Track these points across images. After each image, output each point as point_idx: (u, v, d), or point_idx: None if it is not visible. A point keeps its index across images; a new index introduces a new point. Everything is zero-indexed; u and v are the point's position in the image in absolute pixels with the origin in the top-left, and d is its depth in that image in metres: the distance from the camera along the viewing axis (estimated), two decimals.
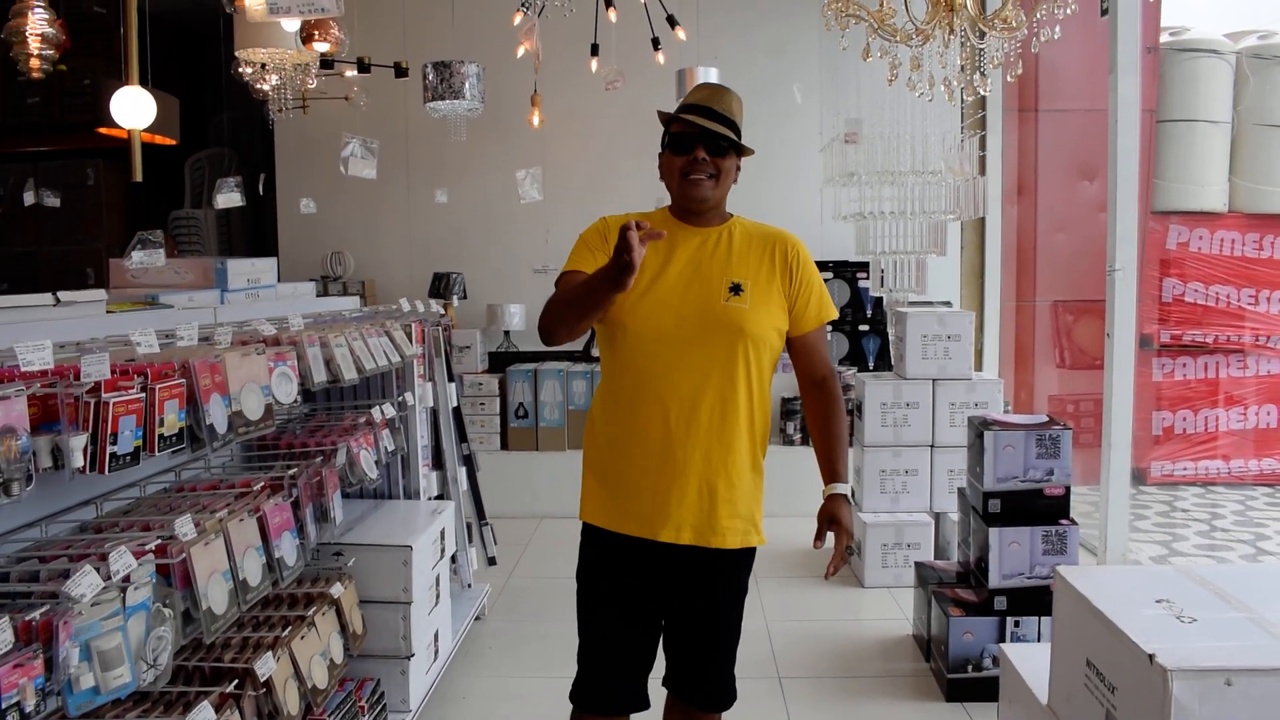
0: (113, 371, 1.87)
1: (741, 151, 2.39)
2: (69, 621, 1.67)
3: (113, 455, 1.82)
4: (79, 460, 1.73)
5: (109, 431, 1.80)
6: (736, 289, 2.29)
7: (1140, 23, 4.79)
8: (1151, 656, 1.89)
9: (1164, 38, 6.87)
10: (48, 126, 7.44)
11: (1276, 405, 7.07)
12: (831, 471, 2.43)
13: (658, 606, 2.38)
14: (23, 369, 1.66)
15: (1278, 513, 6.48)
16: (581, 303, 2.14)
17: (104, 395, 1.79)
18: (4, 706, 1.52)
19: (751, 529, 2.36)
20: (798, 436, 6.49)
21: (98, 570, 1.74)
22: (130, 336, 1.96)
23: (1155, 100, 6.82)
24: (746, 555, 2.40)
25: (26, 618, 1.61)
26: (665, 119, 2.42)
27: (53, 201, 6.14)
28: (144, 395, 1.91)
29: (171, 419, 2.00)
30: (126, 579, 1.86)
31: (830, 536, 2.39)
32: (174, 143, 6.09)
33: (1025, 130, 7.12)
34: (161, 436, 1.97)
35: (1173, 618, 2.12)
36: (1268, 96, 6.94)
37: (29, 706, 1.57)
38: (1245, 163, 7.00)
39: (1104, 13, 4.84)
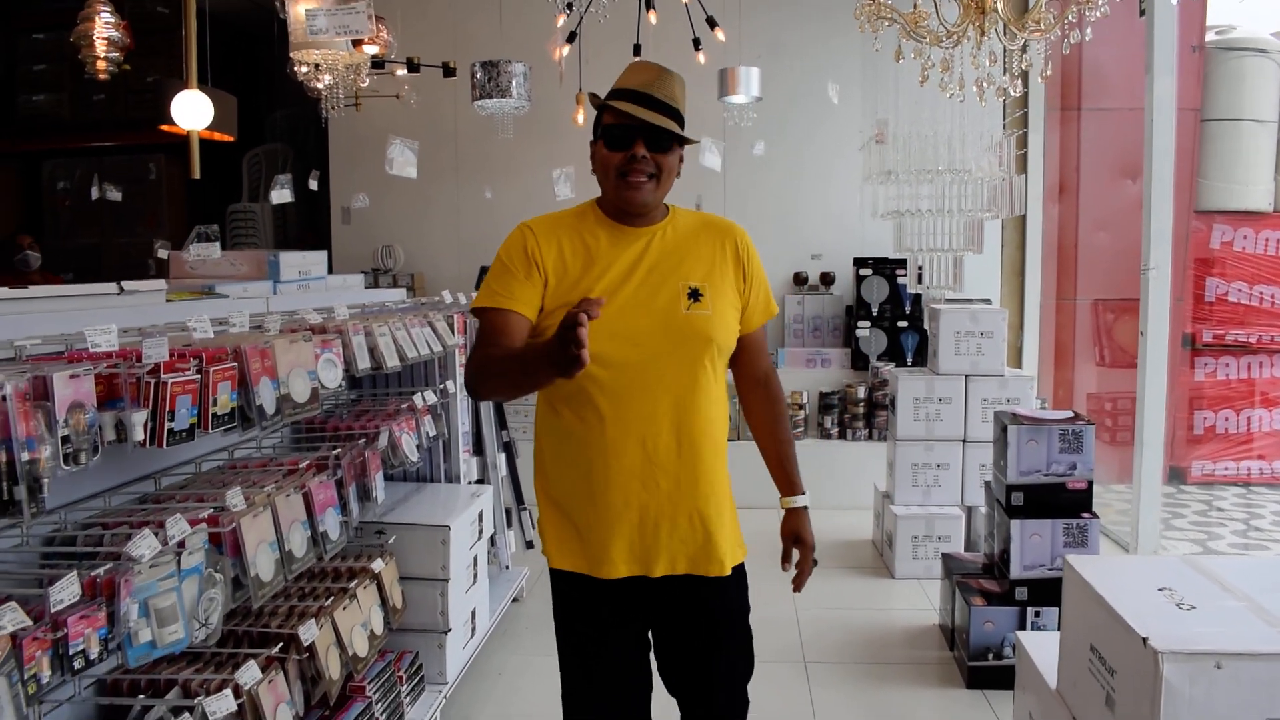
0: (171, 355, 2.04)
1: (684, 143, 2.10)
2: (129, 580, 1.84)
3: (170, 431, 1.99)
4: (140, 434, 1.90)
5: (167, 409, 1.96)
6: (696, 294, 2.06)
7: (1177, 23, 4.82)
8: (1145, 640, 1.97)
9: (1209, 36, 6.85)
10: (112, 123, 7.72)
11: None
12: (789, 482, 2.29)
13: (650, 650, 2.22)
14: (90, 350, 1.84)
15: None
16: (517, 382, 1.88)
17: (163, 376, 1.96)
18: (71, 653, 1.69)
19: (738, 545, 2.20)
20: (834, 430, 6.58)
21: (156, 535, 1.91)
22: (187, 323, 2.14)
23: (1200, 99, 6.81)
24: (739, 573, 2.22)
25: (92, 574, 1.78)
26: (598, 104, 2.11)
27: (115, 195, 6.41)
28: (199, 377, 2.07)
29: (224, 399, 2.16)
30: (181, 544, 2.02)
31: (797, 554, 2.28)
32: (232, 139, 6.32)
33: (1068, 129, 7.13)
34: (215, 415, 2.13)
35: (1172, 605, 2.19)
36: None
37: (93, 654, 1.74)
38: None
39: (1141, 13, 4.87)
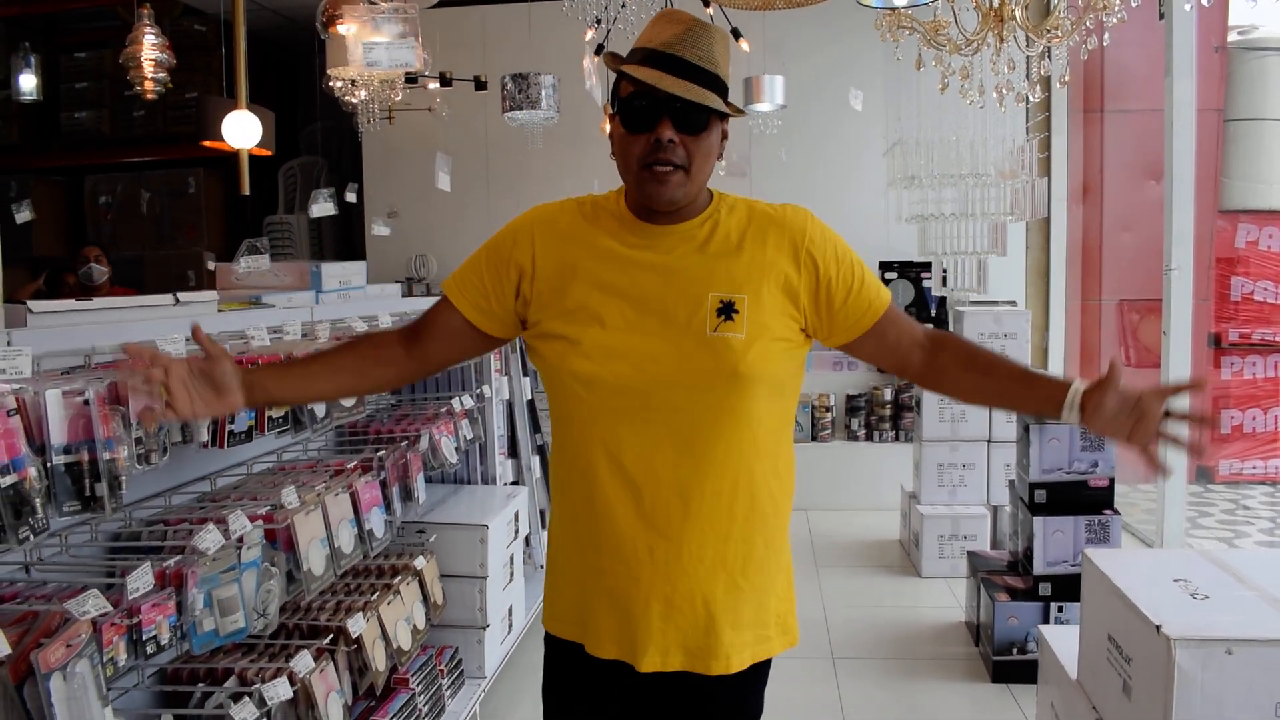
0: None
1: (727, 115, 1.64)
2: (195, 572, 1.97)
3: (230, 433, 2.12)
4: (205, 436, 2.03)
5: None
6: (728, 310, 1.60)
7: (1196, 26, 4.87)
8: (1158, 627, 2.06)
9: (1232, 37, 6.89)
10: (152, 138, 7.91)
11: None
12: (1050, 381, 1.63)
13: None
14: None
15: None
16: None
17: None
18: (145, 638, 1.83)
19: (771, 635, 1.74)
20: (861, 432, 6.65)
21: (220, 530, 2.05)
22: (245, 330, 2.27)
23: (1223, 99, 6.85)
24: (759, 672, 1.75)
25: (162, 565, 1.91)
26: (614, 66, 1.64)
27: (160, 208, 6.60)
28: None
29: None
30: (240, 540, 2.16)
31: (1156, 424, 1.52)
32: (270, 154, 6.48)
33: (1091, 131, 7.18)
34: (270, 418, 2.27)
35: (1187, 595, 2.27)
36: None
37: (164, 640, 1.88)
38: None
39: (1161, 17, 4.94)
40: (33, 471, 1.52)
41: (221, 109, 5.06)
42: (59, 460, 1.68)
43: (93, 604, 1.66)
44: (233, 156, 6.15)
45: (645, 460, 1.61)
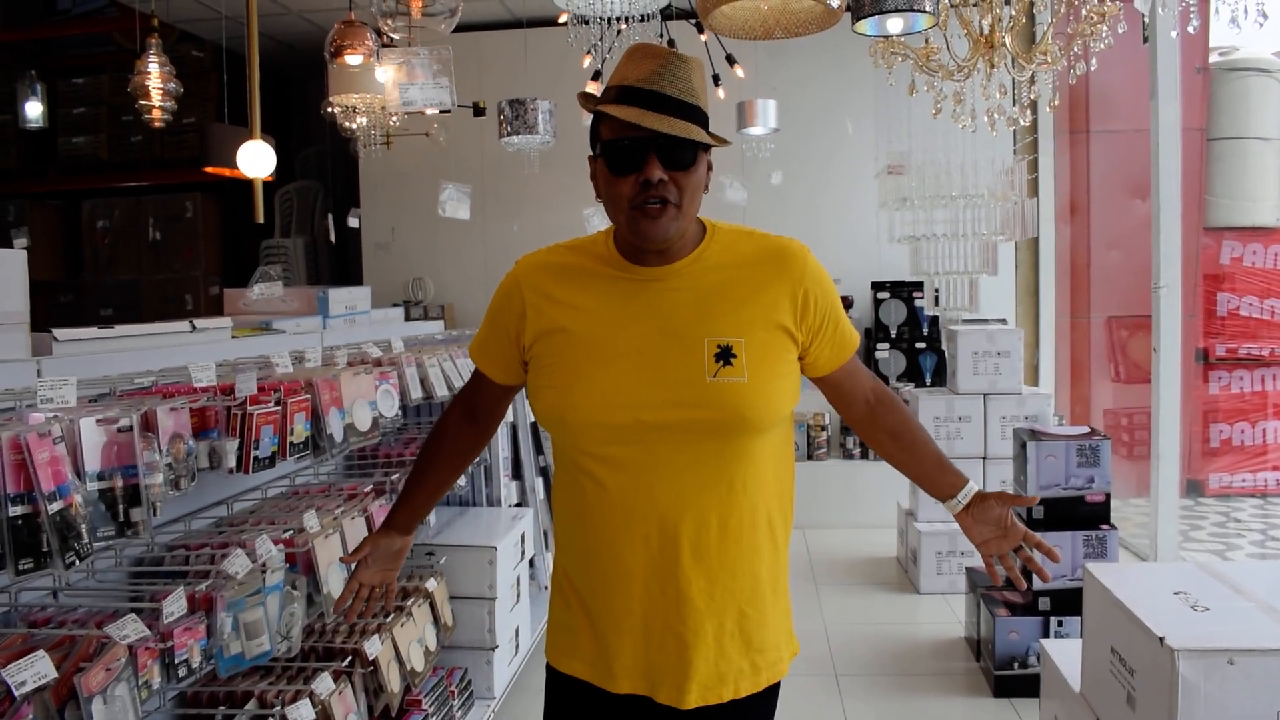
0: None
1: (711, 146, 1.61)
2: (223, 596, 2.01)
3: (255, 458, 2.16)
4: (232, 462, 2.08)
5: (253, 438, 2.14)
6: (726, 355, 1.58)
7: (1180, 49, 4.97)
8: (1162, 639, 2.11)
9: (1213, 58, 7.02)
10: (149, 163, 7.95)
11: None
12: (953, 478, 1.83)
13: None
14: (196, 385, 2.02)
15: None
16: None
17: (249, 408, 2.14)
18: (177, 661, 1.87)
19: (778, 659, 1.75)
20: (857, 451, 6.71)
21: (248, 555, 2.09)
22: (270, 358, 2.32)
23: (1206, 119, 6.97)
24: (771, 693, 1.77)
25: (192, 590, 1.95)
26: (591, 107, 1.62)
27: (156, 234, 6.63)
28: (279, 408, 2.25)
29: (300, 429, 2.34)
30: (263, 564, 2.20)
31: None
32: (270, 179, 6.54)
33: (1077, 151, 7.29)
34: (292, 444, 2.31)
35: (1187, 607, 2.33)
36: None
37: (195, 663, 1.91)
38: None
39: (1145, 40, 5.04)
40: (78, 498, 1.56)
41: (225, 136, 5.11)
42: (93, 487, 1.72)
43: (132, 628, 1.70)
44: (230, 182, 6.19)
45: (649, 507, 1.61)
